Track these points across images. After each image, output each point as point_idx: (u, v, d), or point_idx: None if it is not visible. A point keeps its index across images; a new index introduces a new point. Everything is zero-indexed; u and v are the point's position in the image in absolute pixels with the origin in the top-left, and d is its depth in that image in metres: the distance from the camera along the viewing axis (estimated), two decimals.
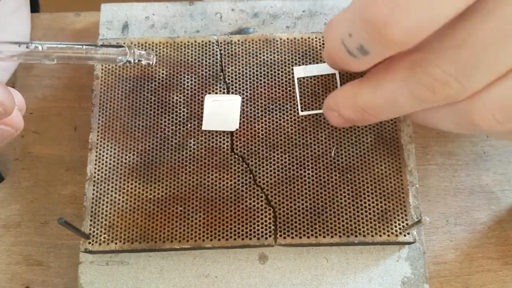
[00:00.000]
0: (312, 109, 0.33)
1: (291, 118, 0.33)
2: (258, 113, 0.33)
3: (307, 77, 0.33)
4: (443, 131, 0.35)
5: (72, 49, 0.26)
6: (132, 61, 0.28)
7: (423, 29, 0.20)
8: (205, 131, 0.33)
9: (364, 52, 0.23)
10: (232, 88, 0.34)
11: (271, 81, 0.34)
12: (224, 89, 0.34)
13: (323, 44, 0.34)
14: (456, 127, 0.25)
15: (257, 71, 0.34)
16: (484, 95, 0.22)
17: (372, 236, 0.30)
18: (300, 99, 0.33)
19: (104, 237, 0.30)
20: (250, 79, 0.34)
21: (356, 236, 0.30)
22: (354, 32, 0.22)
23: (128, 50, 0.28)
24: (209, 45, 0.34)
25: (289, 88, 0.33)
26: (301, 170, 0.32)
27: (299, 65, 0.34)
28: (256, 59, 0.34)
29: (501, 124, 0.23)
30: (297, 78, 0.33)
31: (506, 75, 0.22)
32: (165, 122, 0.33)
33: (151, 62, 0.30)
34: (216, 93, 0.33)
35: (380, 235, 0.30)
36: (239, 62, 0.34)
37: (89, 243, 0.30)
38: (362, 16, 0.21)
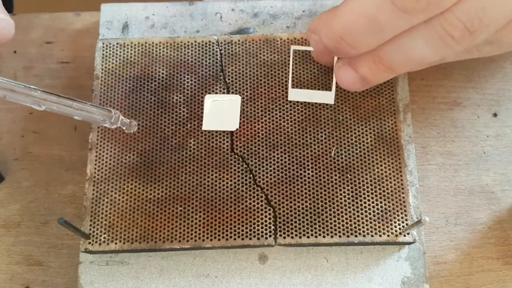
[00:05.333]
0: (305, 88, 0.33)
1: (291, 118, 0.33)
2: (258, 113, 0.33)
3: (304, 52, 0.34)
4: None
5: (63, 103, 0.28)
6: (114, 126, 0.30)
7: None
8: (205, 131, 0.33)
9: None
10: (232, 88, 0.34)
11: (271, 81, 0.34)
12: (224, 89, 0.34)
13: None
14: (431, 49, 0.26)
15: (257, 71, 0.34)
16: (457, 7, 0.24)
17: (372, 236, 0.30)
18: (293, 76, 0.33)
19: (104, 237, 0.30)
20: (250, 79, 0.34)
21: (356, 236, 0.30)
22: None
23: (114, 115, 0.30)
24: (209, 45, 0.34)
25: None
26: (301, 170, 0.32)
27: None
28: (256, 59, 0.34)
29: (471, 33, 0.24)
30: (293, 50, 0.33)
31: None
32: (165, 122, 0.33)
33: (132, 131, 0.32)
34: (216, 93, 0.33)
35: (380, 235, 0.30)
36: (239, 62, 0.34)
37: (89, 243, 0.30)
38: None
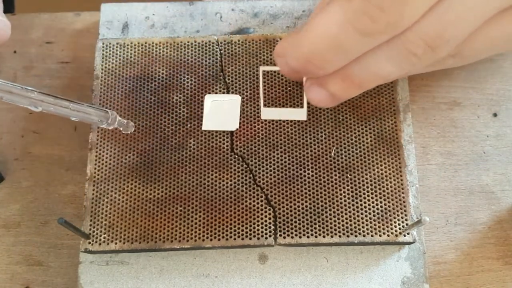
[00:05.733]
0: (276, 106, 0.33)
1: None
2: (258, 113, 0.33)
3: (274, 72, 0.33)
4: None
5: (60, 104, 0.28)
6: (111, 127, 0.31)
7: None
8: (205, 131, 0.33)
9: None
10: (232, 88, 0.34)
11: (271, 81, 0.34)
12: (224, 89, 0.34)
13: None
14: (395, 66, 0.26)
15: (257, 71, 0.34)
16: (416, 26, 0.24)
17: (372, 236, 0.30)
18: (264, 94, 0.33)
19: (104, 237, 0.30)
20: (250, 79, 0.34)
21: (356, 236, 0.30)
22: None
23: (111, 116, 0.30)
24: (209, 45, 0.34)
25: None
26: (301, 170, 0.32)
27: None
28: (256, 59, 0.34)
29: (433, 50, 0.25)
30: (262, 71, 0.33)
31: (437, 4, 0.24)
32: (165, 122, 0.33)
33: (129, 132, 0.32)
34: (216, 93, 0.33)
35: (380, 235, 0.30)
36: (239, 62, 0.34)
37: (89, 243, 0.30)
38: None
